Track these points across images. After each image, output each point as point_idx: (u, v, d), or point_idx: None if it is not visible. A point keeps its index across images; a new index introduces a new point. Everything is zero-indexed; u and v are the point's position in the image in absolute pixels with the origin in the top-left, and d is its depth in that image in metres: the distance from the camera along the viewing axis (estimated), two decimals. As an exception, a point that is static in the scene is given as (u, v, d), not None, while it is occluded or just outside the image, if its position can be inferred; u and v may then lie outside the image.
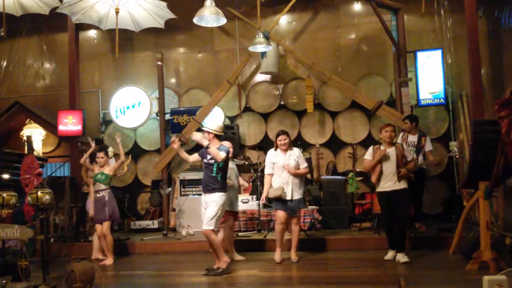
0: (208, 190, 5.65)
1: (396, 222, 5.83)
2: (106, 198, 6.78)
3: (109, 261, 6.68)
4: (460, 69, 8.73)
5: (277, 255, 6.19)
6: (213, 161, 5.64)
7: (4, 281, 4.89)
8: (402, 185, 5.80)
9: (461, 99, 8.64)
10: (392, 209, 5.81)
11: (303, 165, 6.26)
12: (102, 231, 6.71)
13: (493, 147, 4.90)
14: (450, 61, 8.80)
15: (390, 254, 5.97)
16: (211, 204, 5.57)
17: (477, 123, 5.68)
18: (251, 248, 6.99)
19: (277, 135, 6.28)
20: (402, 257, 5.75)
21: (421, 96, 8.21)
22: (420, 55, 8.26)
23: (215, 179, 5.65)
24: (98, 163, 6.90)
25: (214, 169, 5.65)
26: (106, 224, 6.73)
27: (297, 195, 6.13)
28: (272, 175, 6.24)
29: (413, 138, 7.18)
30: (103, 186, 6.81)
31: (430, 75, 8.20)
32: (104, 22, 7.72)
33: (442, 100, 8.26)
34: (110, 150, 7.13)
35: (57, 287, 5.07)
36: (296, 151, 6.29)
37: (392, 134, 5.96)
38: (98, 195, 6.82)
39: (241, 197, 8.06)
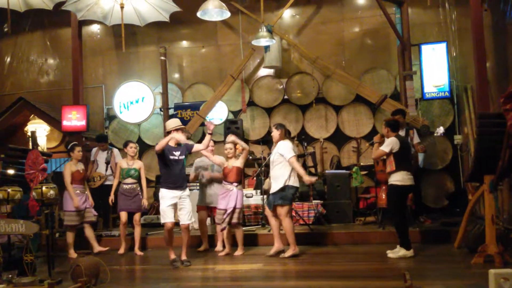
0: (185, 186, 6.06)
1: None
2: (138, 189, 7.07)
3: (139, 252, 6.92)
4: (465, 62, 8.67)
5: (273, 248, 6.25)
6: (183, 157, 5.99)
7: (10, 276, 4.93)
8: (390, 180, 5.90)
9: (466, 92, 8.59)
10: None
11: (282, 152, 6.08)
12: (136, 221, 6.92)
13: (498, 140, 4.88)
14: (454, 54, 8.75)
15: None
16: (188, 199, 6.02)
17: (482, 116, 5.64)
18: (255, 242, 7.03)
19: None
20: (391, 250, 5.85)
21: (426, 90, 8.19)
22: (425, 48, 8.23)
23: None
24: (129, 154, 7.10)
25: (184, 164, 6.06)
26: (139, 215, 7.01)
27: (273, 189, 6.10)
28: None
29: (400, 132, 7.10)
30: (132, 180, 7.02)
31: (434, 68, 8.18)
32: (109, 17, 7.70)
33: (446, 94, 8.24)
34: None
35: (63, 281, 5.10)
36: (278, 145, 6.18)
37: (384, 131, 6.08)
38: (127, 186, 6.98)
39: (245, 191, 8.06)
